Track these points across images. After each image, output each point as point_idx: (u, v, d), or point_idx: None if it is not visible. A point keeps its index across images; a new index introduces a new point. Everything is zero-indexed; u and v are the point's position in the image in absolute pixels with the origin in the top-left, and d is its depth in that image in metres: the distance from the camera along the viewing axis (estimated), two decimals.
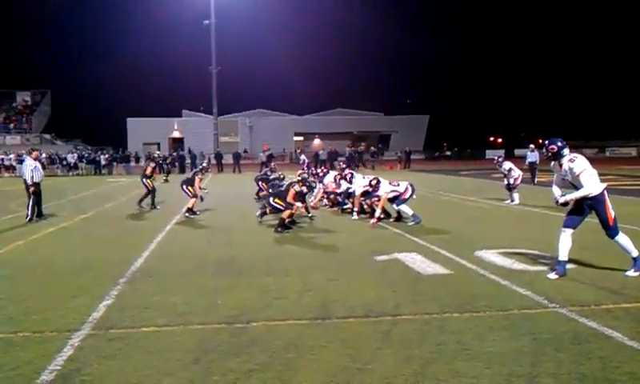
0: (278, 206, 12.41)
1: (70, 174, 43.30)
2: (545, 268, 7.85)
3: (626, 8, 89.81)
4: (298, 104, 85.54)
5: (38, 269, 8.58)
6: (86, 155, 47.89)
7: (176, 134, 75.64)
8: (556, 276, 7.32)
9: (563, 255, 7.45)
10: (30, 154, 15.16)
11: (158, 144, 69.11)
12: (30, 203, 14.24)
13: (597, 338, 5.01)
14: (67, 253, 10.03)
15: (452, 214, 14.83)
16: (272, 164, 22.82)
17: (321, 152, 49.42)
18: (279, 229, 11.87)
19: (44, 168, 15.53)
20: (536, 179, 25.08)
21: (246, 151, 63.54)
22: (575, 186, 7.56)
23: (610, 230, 7.52)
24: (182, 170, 41.95)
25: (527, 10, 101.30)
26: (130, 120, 75.89)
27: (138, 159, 53.29)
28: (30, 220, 14.05)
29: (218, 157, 47.13)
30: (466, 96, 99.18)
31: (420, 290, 6.80)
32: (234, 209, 16.66)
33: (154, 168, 18.03)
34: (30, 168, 14.31)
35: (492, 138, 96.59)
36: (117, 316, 5.95)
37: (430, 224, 12.40)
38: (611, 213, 7.49)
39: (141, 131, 72.87)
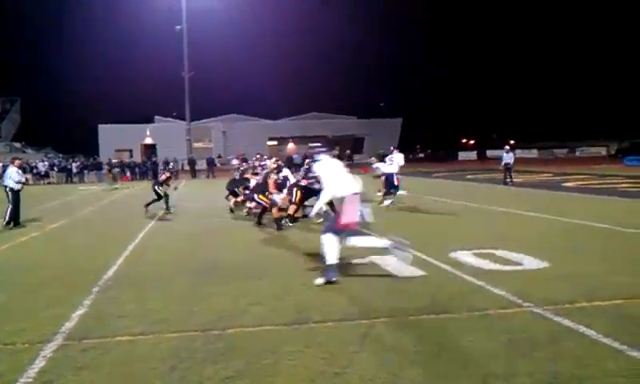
0: (262, 202, 12.43)
1: (42, 182, 42.69)
2: (519, 267, 7.93)
3: (596, 10, 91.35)
4: (271, 109, 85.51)
5: (9, 278, 8.44)
6: (57, 163, 47.30)
7: (148, 141, 75.11)
8: (322, 281, 7.34)
9: (333, 259, 7.39)
10: (12, 162, 15.96)
11: (131, 151, 68.62)
12: (10, 209, 14.71)
13: (571, 336, 5.06)
14: (39, 262, 9.84)
15: (425, 216, 14.90)
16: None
17: (295, 156, 49.42)
18: (281, 226, 12.26)
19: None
20: (512, 180, 25.47)
21: (219, 156, 63.26)
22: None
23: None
24: (155, 177, 41.59)
25: (497, 12, 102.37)
26: (101, 127, 75.23)
27: (111, 168, 52.72)
28: (7, 224, 14.49)
29: (191, 162, 46.90)
30: (439, 98, 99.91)
31: (396, 293, 6.80)
32: (208, 214, 16.56)
33: (168, 176, 18.42)
34: (16, 175, 15.14)
35: (464, 140, 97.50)
36: (90, 325, 5.85)
37: (404, 226, 12.44)
38: (343, 218, 7.47)
39: (113, 138, 72.24)
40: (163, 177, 18.09)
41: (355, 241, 7.66)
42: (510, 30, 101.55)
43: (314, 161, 7.92)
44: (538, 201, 17.85)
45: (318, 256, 9.50)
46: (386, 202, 17.06)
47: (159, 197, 17.20)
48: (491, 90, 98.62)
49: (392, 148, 18.89)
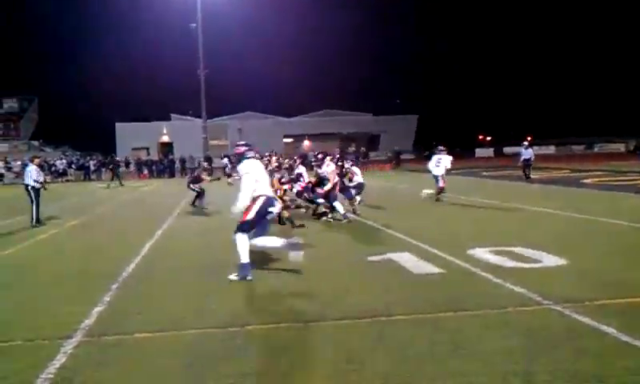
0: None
1: (59, 180, 43.07)
2: (538, 265, 7.86)
3: (613, 6, 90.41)
4: (287, 106, 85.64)
5: (29, 276, 8.53)
6: (75, 161, 47.71)
7: (165, 139, 75.44)
8: (236, 278, 7.55)
9: (246, 258, 7.61)
10: (32, 160, 16.24)
11: (148, 149, 68.92)
12: (34, 208, 14.88)
13: (592, 334, 5.00)
14: (59, 259, 9.96)
15: (443, 213, 14.83)
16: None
17: (310, 154, 49.45)
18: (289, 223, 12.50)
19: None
20: (529, 176, 25.31)
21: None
22: None
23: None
24: (172, 175, 41.85)
25: (515, 8, 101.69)
26: (118, 125, 75.61)
27: (127, 164, 53.12)
28: (38, 222, 14.77)
29: (208, 160, 47.05)
30: (455, 95, 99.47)
31: (413, 290, 6.78)
32: (224, 211, 16.55)
33: (208, 173, 19.97)
34: (35, 173, 15.30)
35: (481, 137, 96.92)
36: (109, 322, 5.90)
37: (422, 223, 12.40)
38: (247, 215, 7.72)
39: (129, 136, 72.63)
40: (203, 174, 19.02)
41: (256, 241, 7.84)
42: (528, 25, 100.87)
43: (240, 160, 8.10)
44: (556, 197, 17.71)
45: (329, 253, 9.53)
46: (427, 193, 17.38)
47: (199, 192, 17.68)
48: (508, 86, 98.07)
49: (440, 148, 18.73)
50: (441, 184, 17.42)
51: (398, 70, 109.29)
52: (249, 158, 8.06)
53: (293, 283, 7.38)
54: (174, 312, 6.23)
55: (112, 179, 35.26)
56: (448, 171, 17.78)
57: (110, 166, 38.58)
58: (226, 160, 39.47)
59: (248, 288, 7.21)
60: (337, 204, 13.30)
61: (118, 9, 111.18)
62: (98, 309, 6.40)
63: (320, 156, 14.37)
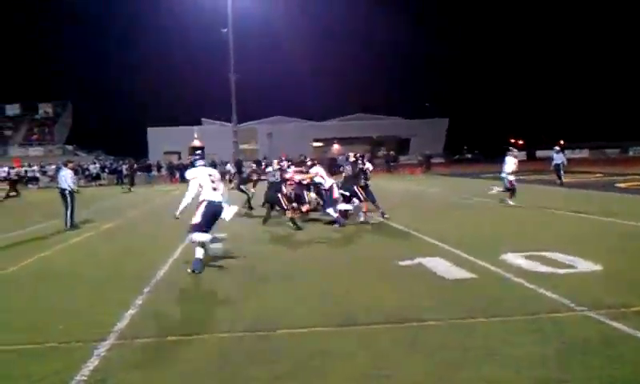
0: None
1: (93, 184, 43.77)
2: (572, 270, 7.73)
3: None
4: (317, 110, 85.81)
5: (63, 278, 8.68)
6: (108, 165, 48.43)
7: (196, 143, 75.98)
8: (190, 270, 8.47)
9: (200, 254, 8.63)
10: (66, 165, 16.33)
11: (179, 153, 69.58)
12: (68, 212, 14.99)
13: (627, 341, 4.91)
14: (92, 262, 10.10)
15: (474, 217, 14.69)
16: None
17: (340, 157, 49.43)
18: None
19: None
20: (562, 180, 24.97)
21: (265, 158, 63.50)
22: None
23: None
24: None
25: (545, 11, 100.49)
26: (150, 130, 76.66)
27: (159, 168, 53.71)
28: (72, 225, 14.89)
29: (238, 164, 47.32)
30: (487, 98, 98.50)
31: (445, 295, 6.73)
32: (254, 216, 16.68)
33: (258, 175, 19.69)
34: (69, 177, 15.34)
35: (513, 140, 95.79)
36: (142, 325, 5.97)
37: (453, 228, 12.31)
38: (194, 219, 8.65)
39: (161, 140, 73.57)
40: (254, 175, 19.56)
41: (194, 237, 8.63)
42: (560, 27, 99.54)
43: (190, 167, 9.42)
44: (590, 202, 17.41)
45: (357, 257, 9.51)
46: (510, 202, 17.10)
47: (249, 196, 18.20)
48: (541, 89, 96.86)
49: (510, 148, 18.97)
50: (508, 185, 17.34)
51: (429, 72, 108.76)
52: (197, 165, 9.16)
53: (323, 287, 7.39)
54: (205, 315, 6.29)
55: (132, 184, 34.87)
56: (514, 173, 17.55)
57: (129, 170, 38.36)
58: (228, 166, 39.50)
59: (279, 291, 7.23)
60: (330, 210, 13.49)
61: (150, 15, 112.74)
62: (130, 312, 6.48)
63: (309, 163, 15.66)
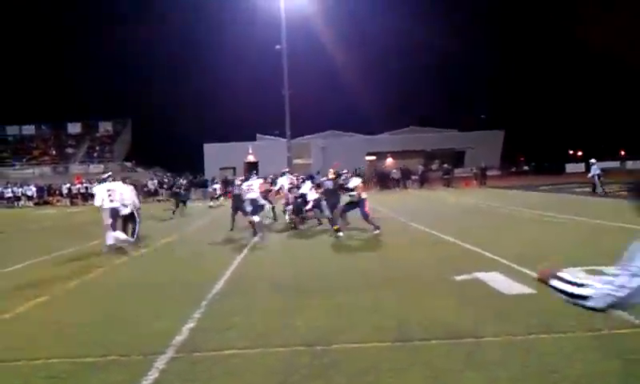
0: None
1: (151, 200, 44.75)
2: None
3: None
4: (370, 124, 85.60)
5: (122, 292, 8.91)
6: (166, 181, 49.42)
7: (250, 158, 76.86)
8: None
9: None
10: (125, 181, 16.77)
11: (234, 168, 70.46)
12: (137, 228, 15.00)
13: None
14: (152, 276, 10.37)
15: (532, 231, 14.37)
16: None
17: (393, 171, 49.24)
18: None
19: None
20: (603, 190, 26.75)
21: (318, 173, 63.42)
22: None
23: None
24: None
25: (601, 21, 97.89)
26: (206, 146, 77.87)
27: (214, 182, 54.49)
28: (134, 242, 14.73)
29: (225, 182, 47.57)
30: (544, 109, 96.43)
31: (503, 311, 6.60)
32: (304, 229, 16.79)
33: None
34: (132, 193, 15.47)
35: (572, 152, 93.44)
36: (200, 338, 6.07)
37: (511, 242, 12.08)
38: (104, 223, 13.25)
39: (217, 156, 74.62)
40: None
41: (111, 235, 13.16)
42: (618, 38, 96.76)
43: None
44: None
45: (410, 270, 9.42)
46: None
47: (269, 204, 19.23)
48: (599, 99, 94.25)
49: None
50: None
51: (484, 83, 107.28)
52: (102, 182, 14.08)
53: (378, 301, 7.35)
54: (262, 329, 6.34)
55: (176, 206, 27.40)
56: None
57: (173, 189, 31.74)
58: (216, 186, 39.26)
59: (334, 306, 7.23)
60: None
61: (205, 32, 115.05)
62: (188, 325, 6.60)
63: (301, 179, 19.49)
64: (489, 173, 51.82)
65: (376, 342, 5.65)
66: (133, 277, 10.40)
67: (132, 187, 16.04)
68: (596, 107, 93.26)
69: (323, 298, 7.63)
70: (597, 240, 12.10)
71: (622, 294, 2.69)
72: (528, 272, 8.57)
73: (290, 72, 50.95)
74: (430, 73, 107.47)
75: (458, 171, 64.93)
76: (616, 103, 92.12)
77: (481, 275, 8.57)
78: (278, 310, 7.17)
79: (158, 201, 44.62)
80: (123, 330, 6.60)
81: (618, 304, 2.75)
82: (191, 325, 6.63)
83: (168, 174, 61.66)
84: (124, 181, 16.92)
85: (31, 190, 50.29)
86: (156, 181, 49.21)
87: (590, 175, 28.37)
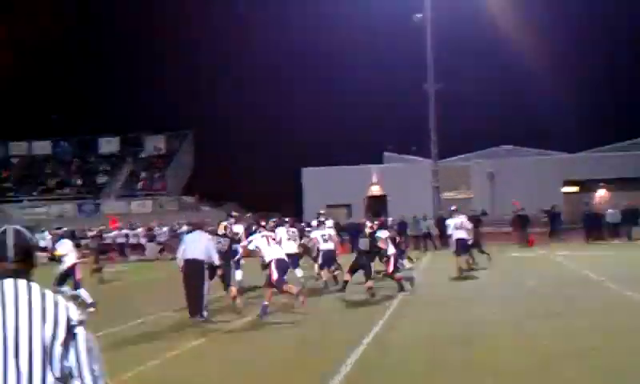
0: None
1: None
2: None
3: None
4: (565, 135, 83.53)
5: (240, 368, 10.90)
6: (247, 227, 50.98)
7: (375, 190, 75.02)
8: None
9: None
10: (201, 227, 18.15)
11: (349, 206, 69.41)
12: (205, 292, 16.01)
13: None
14: (265, 352, 12.19)
15: None
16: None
17: (610, 211, 46.66)
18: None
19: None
20: None
21: (485, 213, 58.38)
22: None
23: None
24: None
25: None
26: (305, 171, 75.59)
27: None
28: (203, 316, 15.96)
29: (441, 222, 47.62)
30: None
31: None
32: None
33: None
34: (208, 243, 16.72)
35: None
36: None
37: None
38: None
39: (321, 187, 70.60)
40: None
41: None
42: None
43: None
44: None
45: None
46: None
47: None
48: None
49: None
50: None
51: None
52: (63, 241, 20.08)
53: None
54: None
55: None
56: None
57: None
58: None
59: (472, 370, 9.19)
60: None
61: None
62: None
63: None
64: None
65: None
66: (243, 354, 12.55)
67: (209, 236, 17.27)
68: None
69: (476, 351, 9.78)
70: None
71: None
72: None
73: (436, 58, 51.19)
74: None
75: None
76: None
77: None
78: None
79: None
80: None
81: None
82: None
83: (248, 215, 61.52)
84: (199, 227, 18.08)
85: (45, 239, 49.38)
86: (241, 225, 50.59)
87: None
